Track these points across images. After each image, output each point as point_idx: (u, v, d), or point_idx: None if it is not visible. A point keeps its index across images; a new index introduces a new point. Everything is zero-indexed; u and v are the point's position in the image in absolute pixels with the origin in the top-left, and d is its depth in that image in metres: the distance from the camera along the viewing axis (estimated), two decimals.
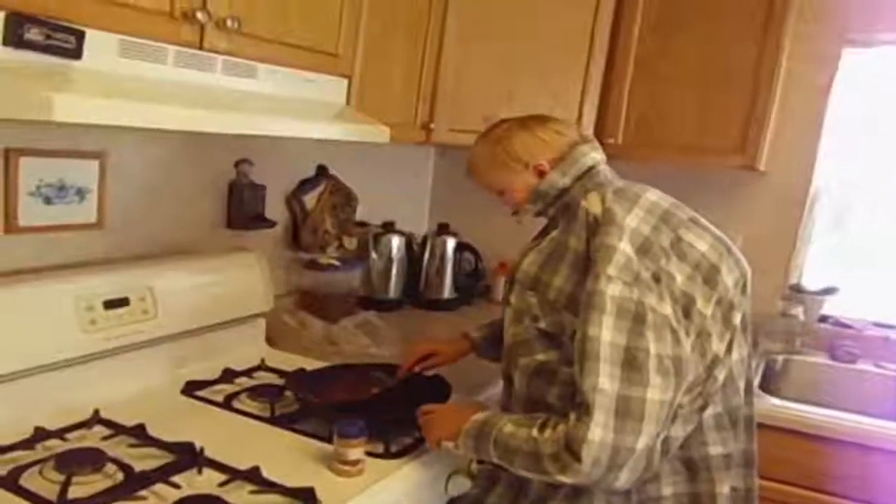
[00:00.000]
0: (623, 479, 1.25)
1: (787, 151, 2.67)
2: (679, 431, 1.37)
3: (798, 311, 2.65)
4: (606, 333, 1.26)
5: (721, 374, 1.41)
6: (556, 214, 1.52)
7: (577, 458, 1.23)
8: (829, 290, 2.71)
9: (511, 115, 1.63)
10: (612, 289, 1.27)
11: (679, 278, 1.33)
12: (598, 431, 1.22)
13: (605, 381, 1.24)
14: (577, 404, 1.27)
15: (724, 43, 2.42)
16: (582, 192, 1.46)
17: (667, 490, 1.42)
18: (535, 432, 1.31)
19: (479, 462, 1.56)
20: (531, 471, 1.32)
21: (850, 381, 2.56)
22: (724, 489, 1.45)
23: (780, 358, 2.63)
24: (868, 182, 2.70)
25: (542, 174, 1.52)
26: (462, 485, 1.66)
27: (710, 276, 1.38)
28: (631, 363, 1.25)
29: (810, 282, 2.75)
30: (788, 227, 2.75)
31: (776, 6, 2.35)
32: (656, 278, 1.30)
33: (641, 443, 1.23)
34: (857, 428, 2.10)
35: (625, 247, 1.31)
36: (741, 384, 1.47)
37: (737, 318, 1.44)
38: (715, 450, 1.43)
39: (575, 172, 1.50)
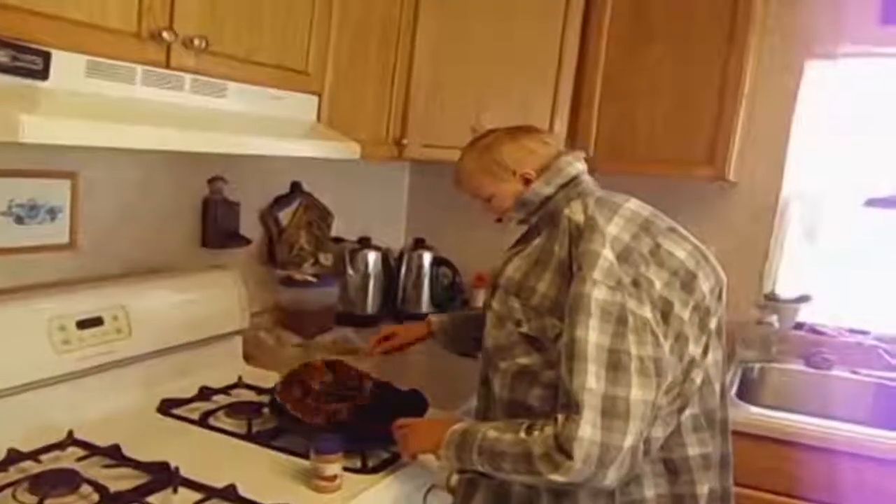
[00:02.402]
0: (610, 478, 1.27)
1: (757, 162, 2.70)
2: (659, 432, 1.39)
3: (773, 319, 2.68)
4: (592, 335, 1.28)
5: (698, 377, 1.43)
6: (539, 222, 1.54)
7: (569, 456, 1.25)
8: (803, 298, 2.74)
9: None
10: (596, 292, 1.30)
11: (658, 284, 1.36)
12: (588, 429, 1.24)
13: (592, 381, 1.26)
14: (563, 405, 1.29)
15: (690, 56, 2.45)
16: (565, 201, 1.49)
17: (649, 492, 1.43)
18: (522, 434, 1.33)
19: (461, 472, 1.57)
20: (521, 473, 1.33)
21: (826, 387, 2.58)
22: (703, 490, 1.47)
23: (757, 366, 2.65)
24: (839, 190, 2.73)
25: (528, 182, 1.54)
26: (440, 499, 1.66)
27: (687, 283, 1.41)
28: (615, 364, 1.27)
29: (784, 290, 2.78)
30: (761, 236, 2.78)
31: (739, 19, 2.38)
32: (636, 283, 1.33)
33: (628, 441, 1.26)
34: (834, 434, 2.12)
35: (607, 253, 1.34)
36: (717, 387, 1.50)
37: (712, 323, 1.47)
38: (693, 450, 1.46)
39: (559, 181, 1.52)
